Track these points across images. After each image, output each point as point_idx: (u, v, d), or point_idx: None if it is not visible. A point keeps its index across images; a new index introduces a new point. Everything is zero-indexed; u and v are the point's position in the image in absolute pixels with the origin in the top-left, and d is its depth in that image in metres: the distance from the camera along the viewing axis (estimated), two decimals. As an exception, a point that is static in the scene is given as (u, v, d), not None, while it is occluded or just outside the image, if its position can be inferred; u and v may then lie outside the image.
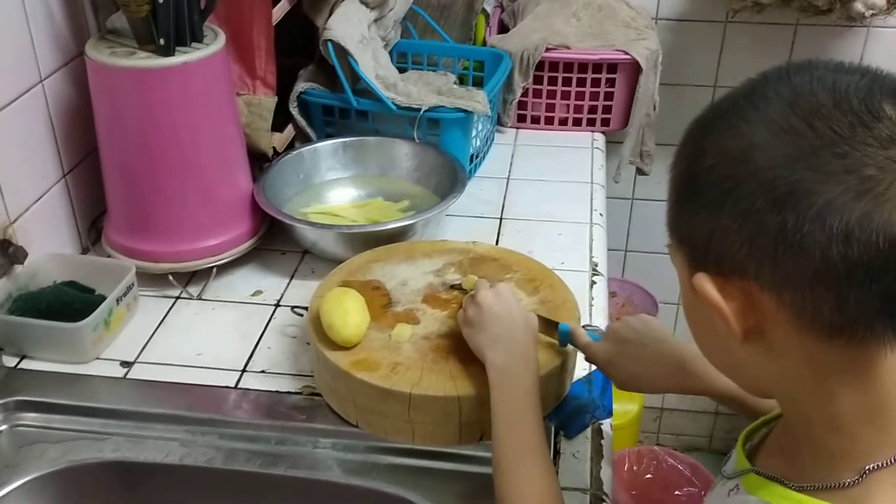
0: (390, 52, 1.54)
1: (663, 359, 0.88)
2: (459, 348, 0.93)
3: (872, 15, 1.60)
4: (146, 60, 1.06)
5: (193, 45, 1.10)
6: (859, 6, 1.58)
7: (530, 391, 0.84)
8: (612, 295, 1.97)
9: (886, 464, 0.59)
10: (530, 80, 1.59)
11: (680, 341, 0.88)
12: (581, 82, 1.60)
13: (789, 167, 0.54)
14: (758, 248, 0.55)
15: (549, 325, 0.94)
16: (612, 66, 1.59)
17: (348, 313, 0.93)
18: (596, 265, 1.23)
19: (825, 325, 0.56)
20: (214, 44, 1.10)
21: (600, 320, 1.11)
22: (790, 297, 0.56)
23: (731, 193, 0.56)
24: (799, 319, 0.56)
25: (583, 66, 1.59)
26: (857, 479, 0.59)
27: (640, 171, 1.74)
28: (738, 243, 0.56)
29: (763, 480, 0.64)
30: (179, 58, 1.07)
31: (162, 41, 1.07)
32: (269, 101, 1.26)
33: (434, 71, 1.55)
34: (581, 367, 1.01)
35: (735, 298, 0.58)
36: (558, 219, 1.34)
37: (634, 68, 1.58)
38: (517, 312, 0.90)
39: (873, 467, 0.59)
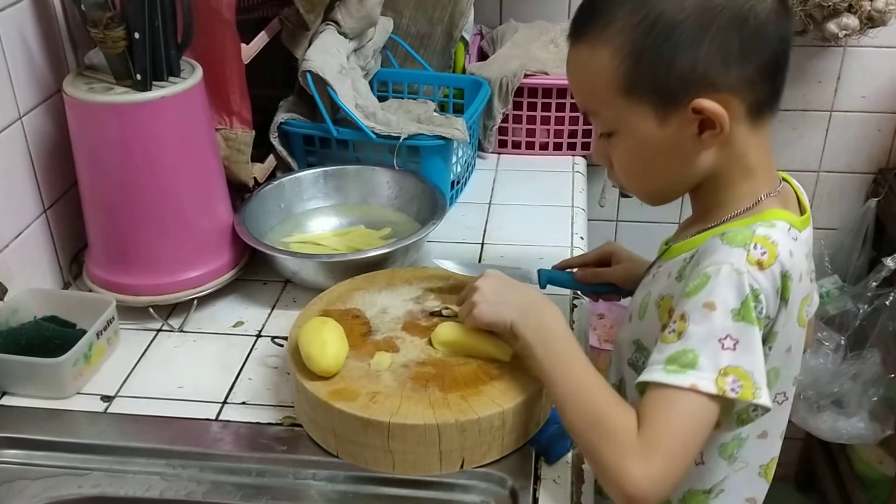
0: (371, 82, 1.55)
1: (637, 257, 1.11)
2: (438, 376, 0.93)
3: (846, 35, 1.62)
4: (123, 96, 1.07)
5: (171, 79, 1.10)
6: (832, 27, 1.60)
7: (568, 336, 0.90)
8: (599, 317, 1.98)
9: (772, 193, 0.87)
10: (510, 106, 1.60)
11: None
12: (560, 107, 1.61)
13: (741, 4, 0.79)
14: (732, 62, 0.79)
15: None
16: (591, 91, 1.60)
17: (326, 343, 0.94)
18: (577, 288, 1.23)
19: (763, 109, 0.84)
20: (191, 77, 1.11)
21: (582, 343, 1.12)
22: (749, 94, 0.81)
23: (709, 28, 0.79)
24: (749, 110, 0.82)
25: (561, 92, 1.60)
26: (755, 204, 0.86)
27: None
28: (716, 64, 0.79)
29: (676, 246, 0.91)
30: (157, 92, 1.08)
31: (139, 76, 1.07)
32: (246, 135, 1.26)
33: (414, 99, 1.57)
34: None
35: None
36: (540, 243, 1.35)
37: (613, 92, 1.59)
38: (519, 284, 0.98)
39: (764, 195, 0.86)
